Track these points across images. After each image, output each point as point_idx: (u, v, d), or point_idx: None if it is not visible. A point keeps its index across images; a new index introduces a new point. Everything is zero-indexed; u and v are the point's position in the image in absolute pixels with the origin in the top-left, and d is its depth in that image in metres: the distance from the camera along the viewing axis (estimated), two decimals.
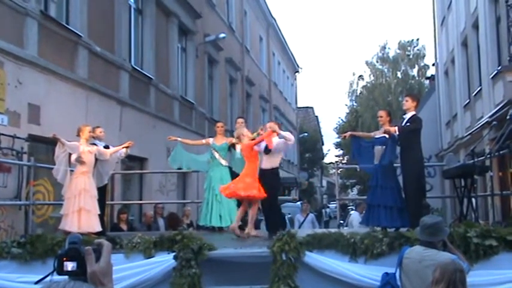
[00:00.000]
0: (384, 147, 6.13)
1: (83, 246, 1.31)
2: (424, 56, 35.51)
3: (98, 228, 6.07)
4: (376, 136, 6.52)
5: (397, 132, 5.96)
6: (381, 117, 6.37)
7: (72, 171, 6.22)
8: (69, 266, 1.31)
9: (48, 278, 1.35)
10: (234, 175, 7.17)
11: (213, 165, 7.33)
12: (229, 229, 6.41)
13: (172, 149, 7.91)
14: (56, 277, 1.31)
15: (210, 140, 7.55)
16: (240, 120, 7.71)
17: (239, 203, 6.92)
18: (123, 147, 6.87)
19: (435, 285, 2.94)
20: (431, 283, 2.98)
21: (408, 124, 6.01)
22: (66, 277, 1.30)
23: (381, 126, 6.43)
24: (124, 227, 8.59)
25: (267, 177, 6.27)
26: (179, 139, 7.63)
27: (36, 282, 1.59)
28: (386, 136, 6.08)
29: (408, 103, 6.13)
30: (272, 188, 6.28)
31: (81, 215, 5.93)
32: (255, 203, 6.32)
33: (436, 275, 2.97)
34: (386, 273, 4.38)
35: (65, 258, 1.30)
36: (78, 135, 6.32)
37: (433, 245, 3.92)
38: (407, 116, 6.11)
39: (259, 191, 6.08)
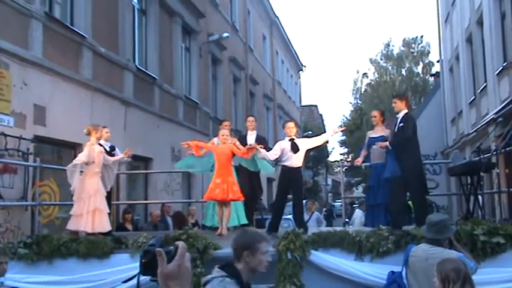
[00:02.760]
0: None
1: (166, 247, 1.33)
2: (428, 53, 35.42)
3: (108, 227, 6.10)
4: (371, 136, 6.63)
5: (389, 144, 5.88)
6: (375, 117, 6.63)
7: (81, 171, 6.20)
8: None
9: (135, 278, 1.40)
10: (239, 174, 7.15)
11: None
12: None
13: (178, 151, 7.84)
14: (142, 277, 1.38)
15: (215, 140, 7.53)
16: (251, 118, 7.60)
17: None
18: (122, 157, 6.82)
19: (451, 285, 2.92)
20: (444, 282, 2.95)
21: (402, 125, 5.90)
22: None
23: (374, 126, 6.72)
24: (129, 226, 8.63)
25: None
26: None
27: (125, 282, 1.65)
28: (384, 135, 6.20)
29: (397, 104, 6.06)
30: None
31: (95, 215, 5.93)
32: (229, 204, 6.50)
33: (451, 275, 2.95)
34: (392, 271, 4.36)
35: (143, 260, 1.35)
36: (89, 133, 6.21)
37: (439, 242, 3.90)
38: (400, 115, 6.05)
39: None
